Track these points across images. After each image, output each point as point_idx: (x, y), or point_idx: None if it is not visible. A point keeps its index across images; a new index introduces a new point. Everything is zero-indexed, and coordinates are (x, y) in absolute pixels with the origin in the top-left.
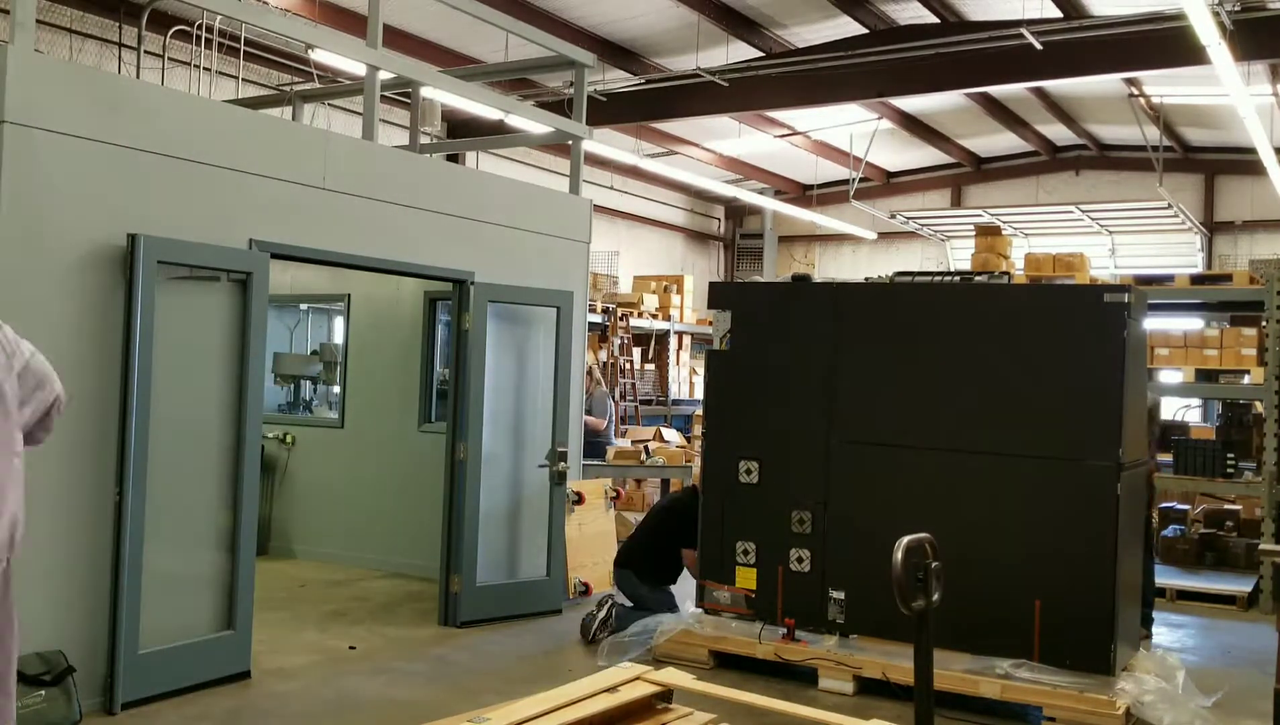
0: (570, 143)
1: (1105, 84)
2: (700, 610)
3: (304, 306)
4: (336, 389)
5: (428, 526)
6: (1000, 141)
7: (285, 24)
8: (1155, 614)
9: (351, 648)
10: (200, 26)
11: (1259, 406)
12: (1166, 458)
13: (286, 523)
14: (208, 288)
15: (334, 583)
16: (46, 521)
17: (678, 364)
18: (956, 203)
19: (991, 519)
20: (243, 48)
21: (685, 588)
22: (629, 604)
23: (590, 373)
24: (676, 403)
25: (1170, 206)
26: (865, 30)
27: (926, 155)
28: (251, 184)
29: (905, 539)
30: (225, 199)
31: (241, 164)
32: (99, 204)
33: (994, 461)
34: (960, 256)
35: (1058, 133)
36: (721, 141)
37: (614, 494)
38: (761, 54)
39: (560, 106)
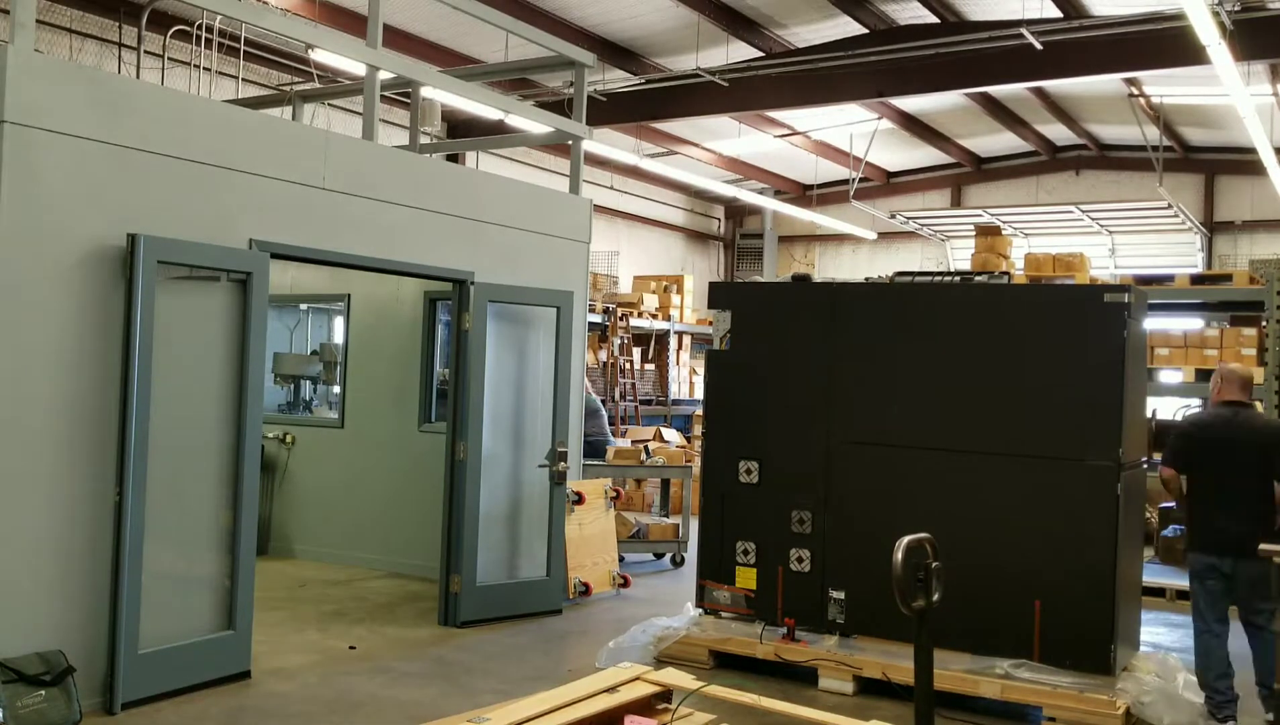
0: (570, 143)
1: (1105, 84)
2: (700, 610)
3: (304, 306)
4: (336, 389)
5: (428, 526)
6: (1000, 141)
7: (285, 24)
8: (1154, 614)
9: (351, 648)
10: (200, 26)
11: (1259, 406)
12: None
13: (286, 523)
14: (208, 288)
15: (334, 583)
16: (46, 521)
17: (678, 364)
18: (956, 203)
19: (991, 519)
20: (243, 48)
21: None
22: None
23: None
24: (676, 403)
25: (1170, 206)
26: (865, 30)
27: (926, 155)
28: (251, 184)
29: (905, 539)
30: (225, 199)
31: (241, 164)
32: (99, 204)
33: (994, 461)
34: (960, 256)
35: (1058, 133)
36: (721, 141)
37: (614, 494)
38: (761, 54)
39: (560, 106)
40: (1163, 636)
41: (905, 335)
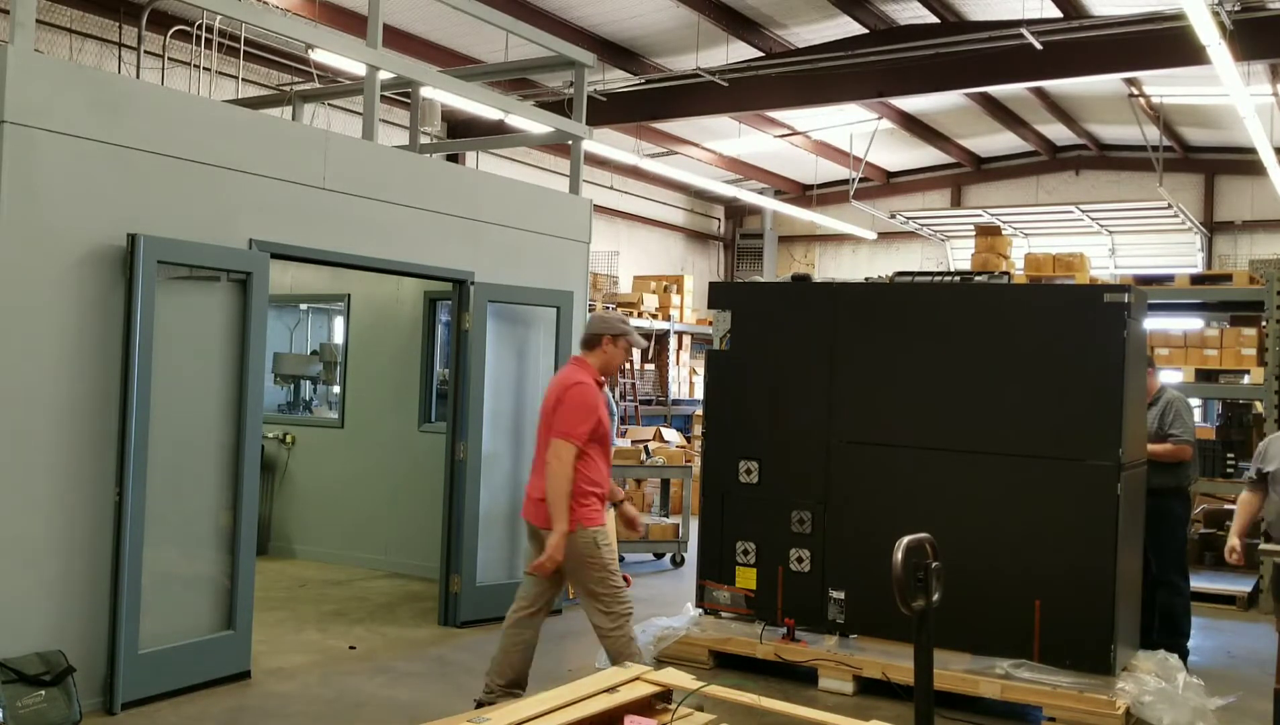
0: (570, 143)
1: (1105, 84)
2: (700, 610)
3: (304, 306)
4: (336, 389)
5: (428, 526)
6: (1000, 141)
7: (285, 24)
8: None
9: (351, 648)
10: (200, 26)
11: (1259, 406)
12: None
13: (286, 523)
14: (208, 288)
15: (334, 583)
16: (46, 521)
17: (678, 364)
18: (956, 203)
19: (991, 519)
20: (243, 48)
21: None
22: None
23: None
24: (676, 403)
25: (1170, 206)
26: (865, 30)
27: (926, 155)
28: (251, 184)
29: (905, 539)
30: (225, 199)
31: (241, 164)
32: (99, 204)
33: (994, 461)
34: (960, 256)
35: (1058, 133)
36: (721, 141)
37: None
38: (761, 54)
39: (560, 106)
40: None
41: (905, 335)
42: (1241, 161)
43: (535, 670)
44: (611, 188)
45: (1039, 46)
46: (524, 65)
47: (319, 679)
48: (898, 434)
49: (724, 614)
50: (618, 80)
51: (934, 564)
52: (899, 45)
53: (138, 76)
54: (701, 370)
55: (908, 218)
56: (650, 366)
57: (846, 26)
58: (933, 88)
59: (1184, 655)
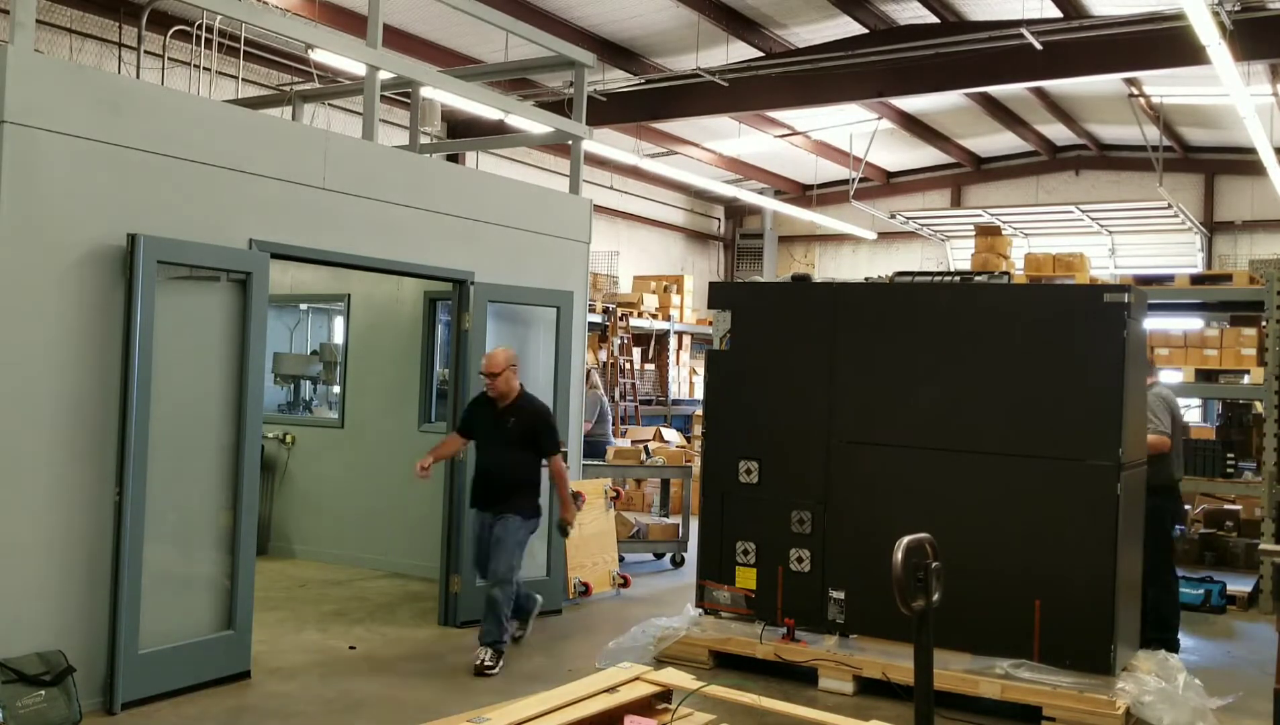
0: (570, 143)
1: (1105, 84)
2: (700, 611)
3: (304, 306)
4: (336, 389)
5: (428, 526)
6: (1000, 141)
7: (285, 24)
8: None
9: (351, 648)
10: (200, 26)
11: (1259, 406)
12: None
13: (286, 523)
14: (208, 288)
15: (334, 583)
16: (46, 521)
17: (678, 364)
18: (956, 203)
19: (991, 519)
20: (243, 48)
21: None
22: None
23: (588, 376)
24: (676, 403)
25: (1170, 206)
26: (865, 30)
27: (926, 155)
28: (251, 184)
29: (905, 539)
30: (225, 199)
31: (241, 164)
32: (99, 204)
33: (994, 461)
34: (960, 256)
35: (1058, 133)
36: (721, 141)
37: (614, 494)
38: (761, 54)
39: (560, 106)
40: None
41: (905, 335)
42: (1241, 161)
43: (535, 670)
44: (611, 188)
45: (1039, 46)
46: (524, 65)
47: (319, 679)
48: (897, 434)
49: (724, 614)
50: (618, 80)
51: (934, 564)
52: (899, 45)
53: (138, 76)
54: (701, 370)
55: (908, 218)
56: (650, 366)
57: (846, 26)
58: (933, 88)
59: (1174, 647)
